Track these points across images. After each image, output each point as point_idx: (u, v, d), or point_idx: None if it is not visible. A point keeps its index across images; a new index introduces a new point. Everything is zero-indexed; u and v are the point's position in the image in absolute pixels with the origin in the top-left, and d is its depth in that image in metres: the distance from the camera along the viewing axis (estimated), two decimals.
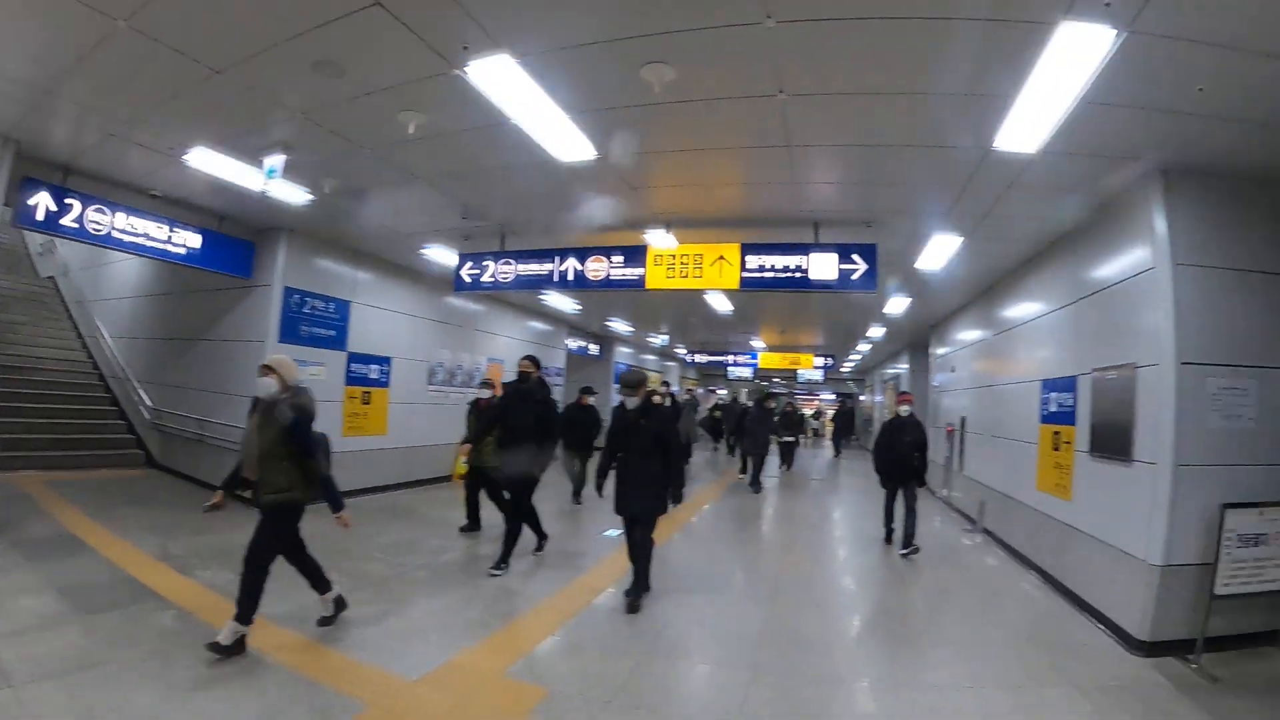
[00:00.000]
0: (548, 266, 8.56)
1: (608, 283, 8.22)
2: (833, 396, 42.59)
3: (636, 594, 6.12)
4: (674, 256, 7.99)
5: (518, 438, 7.08)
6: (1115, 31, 3.92)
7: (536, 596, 6.36)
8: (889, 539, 9.21)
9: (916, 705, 4.55)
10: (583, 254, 8.37)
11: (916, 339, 18.18)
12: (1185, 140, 5.29)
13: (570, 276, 8.41)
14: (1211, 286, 5.72)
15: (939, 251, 8.69)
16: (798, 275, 7.51)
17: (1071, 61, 4.24)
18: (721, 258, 7.78)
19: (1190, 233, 5.74)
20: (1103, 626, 6.14)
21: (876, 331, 17.58)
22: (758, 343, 22.62)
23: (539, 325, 17.07)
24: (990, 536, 9.99)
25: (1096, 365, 6.81)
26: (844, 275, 7.41)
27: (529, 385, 7.40)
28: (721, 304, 13.86)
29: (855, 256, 7.40)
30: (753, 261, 7.68)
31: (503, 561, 6.94)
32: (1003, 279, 10.17)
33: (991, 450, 10.51)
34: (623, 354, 24.07)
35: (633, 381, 6.24)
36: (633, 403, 6.16)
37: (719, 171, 6.67)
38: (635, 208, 7.64)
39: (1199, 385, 5.62)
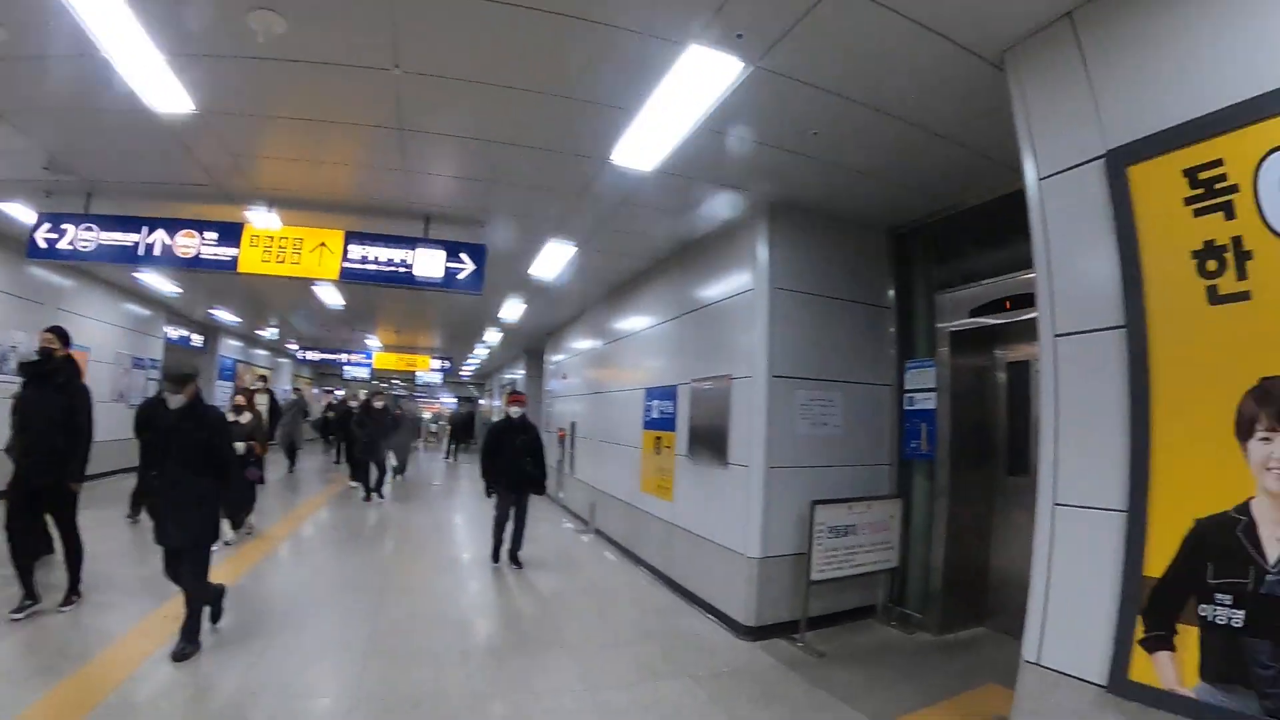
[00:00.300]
0: (134, 237, 6.92)
1: (198, 261, 6.93)
2: (454, 400, 42.26)
3: (187, 640, 4.73)
4: (272, 239, 7.04)
5: (37, 438, 5.29)
6: (744, 64, 4.01)
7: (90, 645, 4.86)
8: (496, 555, 8.19)
9: (528, 713, 4.35)
10: (173, 227, 6.95)
11: (534, 345, 18.49)
12: (795, 178, 5.74)
13: (158, 251, 6.91)
14: (803, 310, 6.38)
15: (553, 259, 8.72)
16: (402, 271, 7.02)
17: (697, 86, 4.29)
18: (323, 244, 7.03)
19: (788, 261, 6.34)
20: (713, 617, 6.45)
21: (494, 336, 17.58)
22: (374, 342, 21.41)
23: (135, 309, 14.29)
24: (602, 536, 10.29)
25: (695, 376, 7.25)
26: (451, 274, 7.07)
27: (53, 365, 5.48)
28: (333, 297, 12.73)
29: (464, 256, 7.10)
30: (356, 251, 7.03)
31: (72, 593, 5.47)
32: (616, 290, 10.57)
33: (601, 454, 10.91)
34: (231, 347, 21.35)
35: (176, 374, 4.84)
36: (176, 401, 4.75)
37: (328, 148, 5.87)
38: (235, 179, 6.54)
39: (789, 396, 6.18)
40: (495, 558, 8.17)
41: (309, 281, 10.22)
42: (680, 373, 7.75)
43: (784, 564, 6.03)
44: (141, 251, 6.93)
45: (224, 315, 17.43)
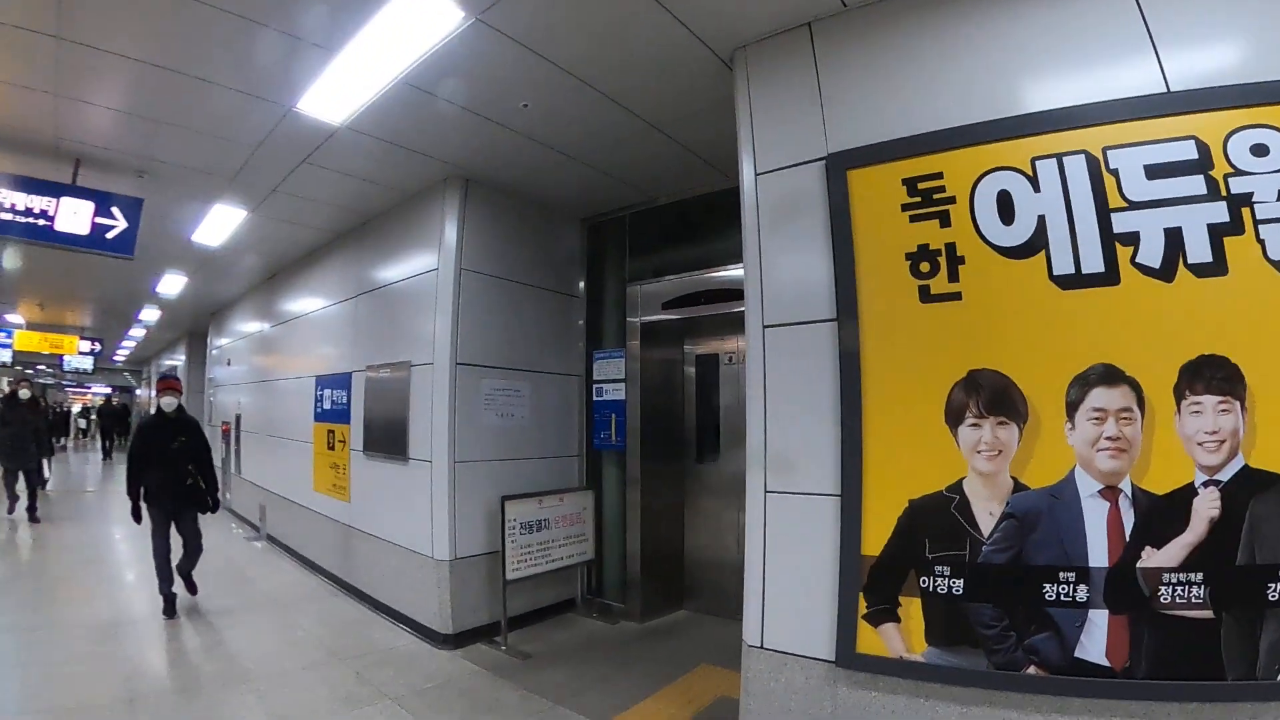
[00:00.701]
0: None
1: None
2: (108, 390, 36.91)
3: None
4: None
5: None
6: (464, 13, 3.55)
7: None
8: (170, 605, 6.02)
9: None
10: None
11: (196, 327, 16.36)
12: (495, 153, 5.34)
13: None
14: (492, 295, 6.03)
15: (221, 224, 7.38)
16: (42, 223, 5.50)
17: (410, 30, 3.75)
18: None
19: (478, 243, 5.93)
20: (405, 626, 5.90)
21: (152, 314, 15.02)
22: (15, 318, 17.57)
23: None
24: (275, 543, 9.16)
25: (371, 363, 6.57)
26: (99, 232, 5.69)
27: None
28: None
29: (116, 211, 5.75)
30: None
31: None
32: (288, 267, 9.38)
33: (269, 451, 9.73)
34: None
35: None
36: None
37: None
38: None
39: (474, 385, 5.79)
40: (169, 609, 5.99)
41: None
42: (355, 359, 6.98)
43: (477, 564, 5.70)
44: None
45: None
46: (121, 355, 25.73)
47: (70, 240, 5.65)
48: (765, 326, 3.42)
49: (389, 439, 6.16)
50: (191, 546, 6.29)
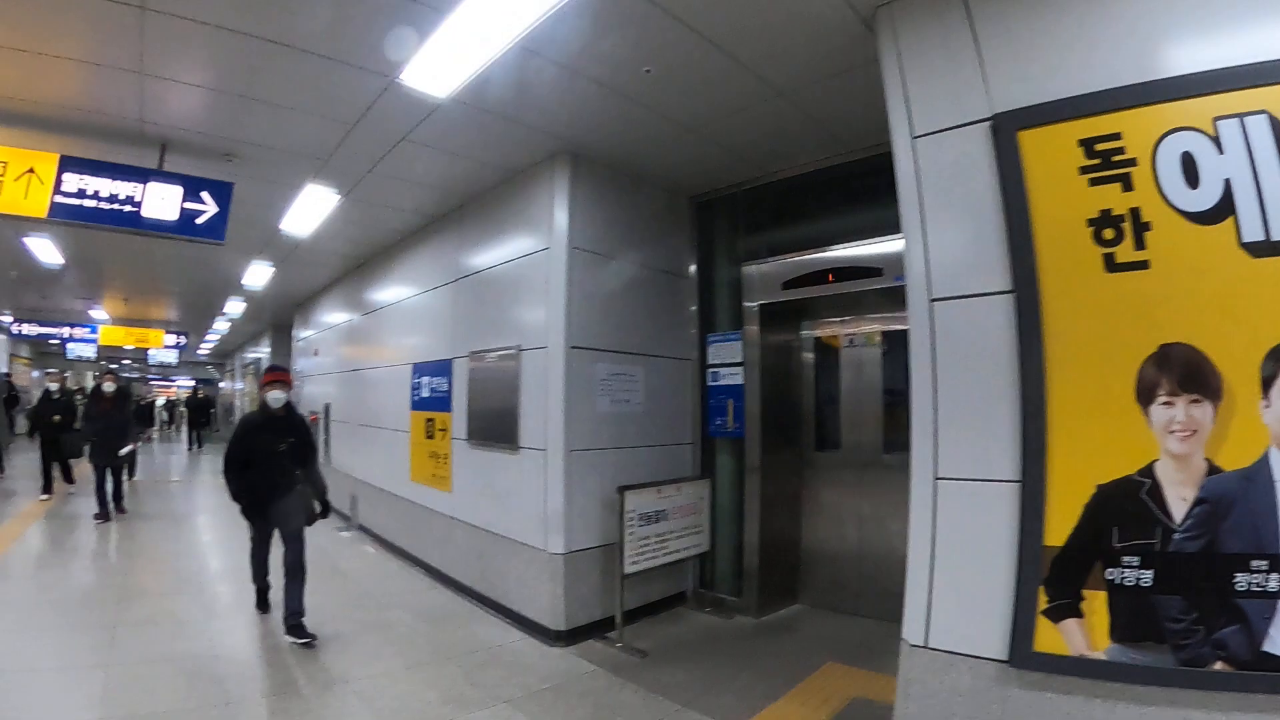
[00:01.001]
0: None
1: None
2: (191, 383, 37.84)
3: None
4: None
5: None
6: None
7: None
8: (263, 602, 5.73)
9: None
10: None
11: (280, 319, 16.53)
12: (608, 125, 5.04)
13: None
14: (603, 275, 5.77)
15: (311, 209, 7.15)
16: (128, 210, 5.31)
17: None
18: (31, 171, 5.13)
19: (588, 221, 5.65)
20: (511, 622, 5.66)
21: (236, 307, 15.13)
22: (100, 313, 17.93)
23: None
24: (366, 533, 9.06)
25: (475, 349, 6.32)
26: (188, 218, 5.47)
27: None
28: (48, 252, 9.74)
29: (205, 195, 5.53)
30: (73, 182, 5.19)
31: None
32: (380, 254, 9.20)
33: (361, 440, 9.62)
34: None
35: None
36: None
37: (46, 37, 4.09)
38: None
39: (588, 370, 5.52)
40: (262, 603, 5.70)
41: (12, 222, 7.70)
42: (456, 346, 6.73)
43: (591, 558, 5.41)
44: None
45: None
46: (205, 348, 26.28)
47: (158, 227, 5.44)
48: (932, 300, 3.11)
49: (497, 427, 5.91)
50: (295, 563, 5.22)
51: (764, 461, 5.94)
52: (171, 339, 20.10)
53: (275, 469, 5.27)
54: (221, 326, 19.40)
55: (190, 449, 21.64)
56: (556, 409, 5.31)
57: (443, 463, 6.77)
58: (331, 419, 11.05)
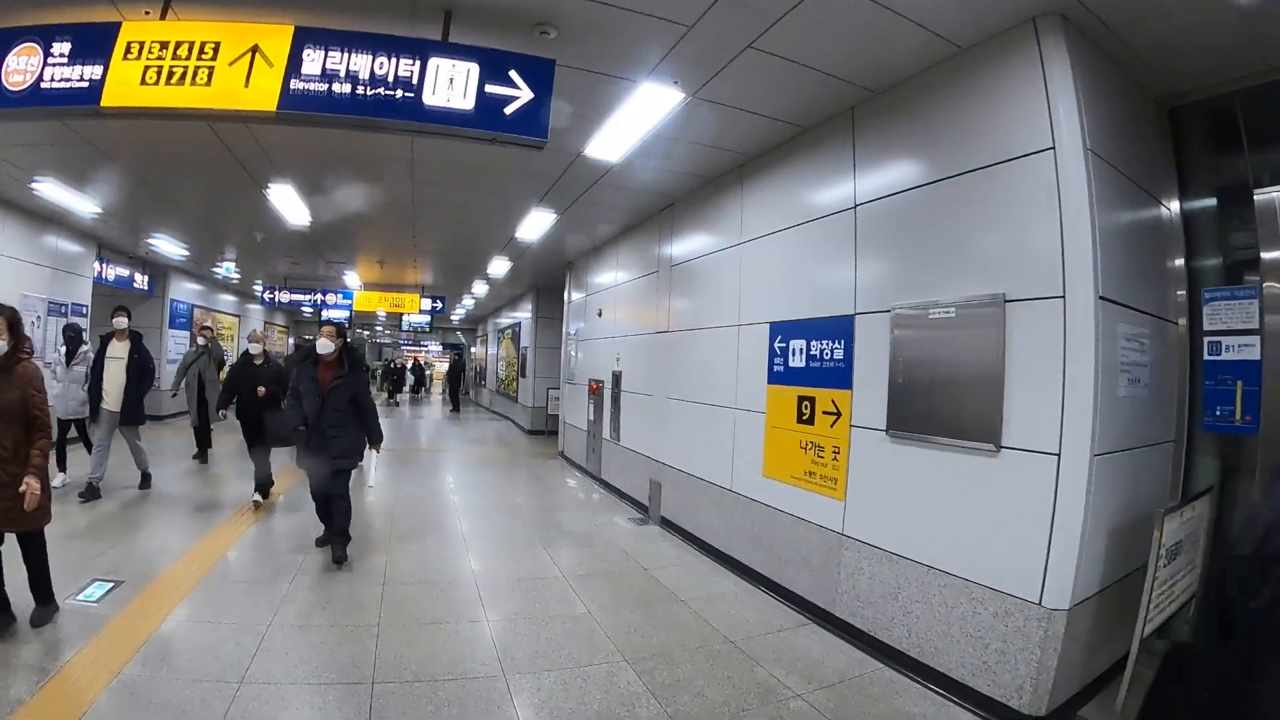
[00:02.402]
0: None
1: (38, 96, 3.76)
2: (439, 348, 39.03)
3: None
4: (165, 45, 3.72)
5: None
6: None
7: None
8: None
9: None
10: (4, 39, 3.85)
11: (545, 281, 15.68)
12: None
13: None
14: (1120, 197, 3.88)
15: (639, 117, 5.43)
16: (401, 96, 3.78)
17: None
18: (256, 49, 3.74)
19: (1102, 113, 3.74)
20: (948, 694, 3.95)
21: (500, 267, 14.07)
22: (353, 279, 17.94)
23: (57, 241, 11.02)
24: (672, 529, 7.56)
25: (904, 301, 4.43)
26: (491, 106, 3.85)
27: None
28: (295, 210, 9.13)
29: (514, 75, 3.89)
30: (314, 62, 3.75)
31: None
32: (708, 184, 7.26)
33: (666, 416, 7.99)
34: (186, 290, 17.43)
35: None
36: None
37: None
38: None
39: (1111, 334, 3.59)
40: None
41: (230, 133, 6.33)
42: (865, 297, 4.81)
43: (1091, 609, 3.68)
44: None
45: (166, 246, 13.42)
46: (458, 314, 26.32)
47: (447, 118, 3.85)
48: None
49: (953, 416, 4.01)
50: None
51: None
52: (427, 304, 19.70)
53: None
54: (479, 289, 18.79)
55: (454, 411, 21.68)
56: (1084, 391, 3.42)
57: (830, 458, 4.96)
58: (622, 389, 9.60)
